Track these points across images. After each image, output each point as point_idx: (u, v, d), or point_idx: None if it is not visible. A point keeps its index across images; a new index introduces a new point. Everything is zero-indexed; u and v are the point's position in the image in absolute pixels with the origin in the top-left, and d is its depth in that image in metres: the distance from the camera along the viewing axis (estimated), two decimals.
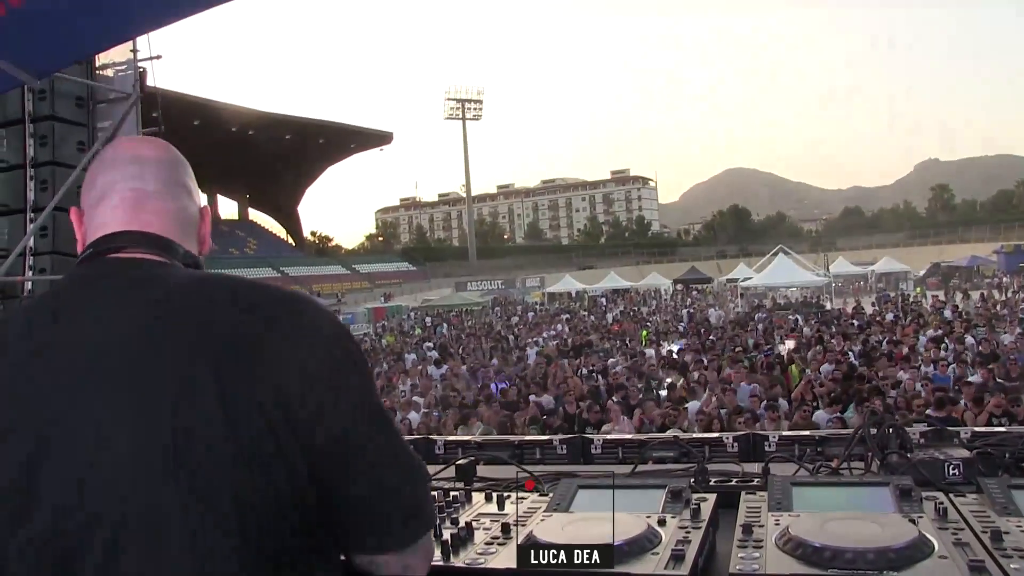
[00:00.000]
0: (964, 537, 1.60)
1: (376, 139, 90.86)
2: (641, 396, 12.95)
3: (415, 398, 15.53)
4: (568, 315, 40.45)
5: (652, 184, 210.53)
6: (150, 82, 9.47)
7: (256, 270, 75.53)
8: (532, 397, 14.22)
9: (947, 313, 26.32)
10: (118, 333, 1.16)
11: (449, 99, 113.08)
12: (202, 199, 1.48)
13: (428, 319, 46.28)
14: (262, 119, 74.27)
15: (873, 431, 2.37)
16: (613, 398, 13.11)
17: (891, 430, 2.35)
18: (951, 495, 1.89)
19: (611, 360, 19.43)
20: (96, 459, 1.09)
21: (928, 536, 1.55)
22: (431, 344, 29.13)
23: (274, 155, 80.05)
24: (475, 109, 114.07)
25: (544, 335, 29.83)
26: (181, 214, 1.39)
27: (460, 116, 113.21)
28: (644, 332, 27.45)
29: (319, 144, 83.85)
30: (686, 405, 12.04)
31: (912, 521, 1.65)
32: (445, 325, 41.62)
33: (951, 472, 2.20)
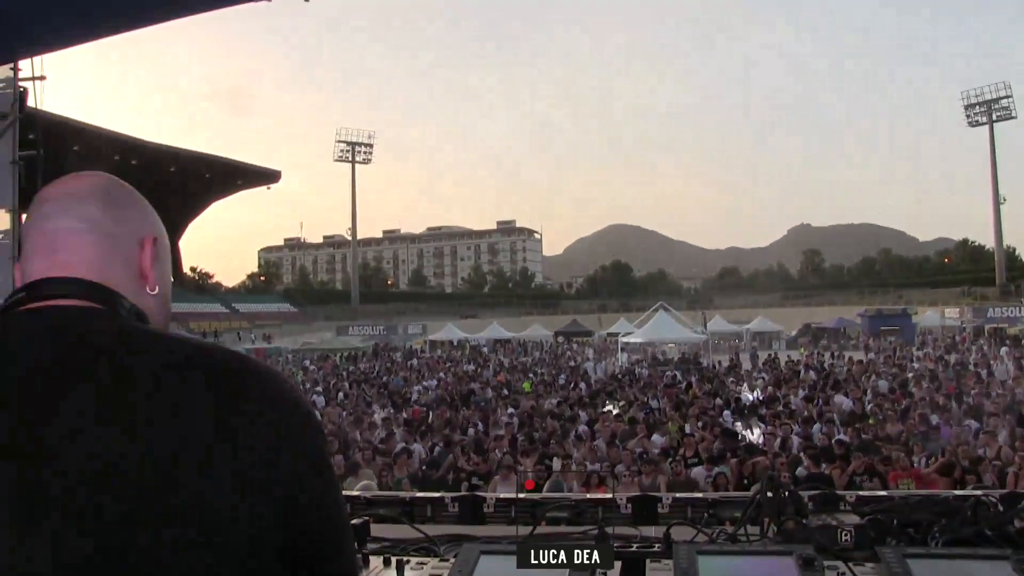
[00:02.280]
0: None
1: (263, 177, 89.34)
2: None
3: None
4: (450, 363, 40.33)
5: (537, 236, 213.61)
6: (32, 104, 9.11)
7: None
8: (416, 446, 14.00)
9: (811, 374, 27.41)
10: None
11: (339, 141, 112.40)
12: (146, 228, 1.32)
13: (307, 362, 45.38)
14: (146, 149, 72.09)
15: (769, 495, 2.39)
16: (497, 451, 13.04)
17: (787, 495, 2.38)
18: (850, 564, 1.91)
19: (510, 410, 19.33)
20: None
21: None
22: (319, 389, 28.46)
23: (158, 187, 77.63)
24: (365, 152, 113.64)
25: (425, 384, 29.58)
26: (110, 249, 1.23)
27: (350, 159, 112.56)
28: (527, 384, 27.55)
29: (205, 178, 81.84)
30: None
31: None
32: (307, 366, 41.13)
33: (844, 538, 2.23)
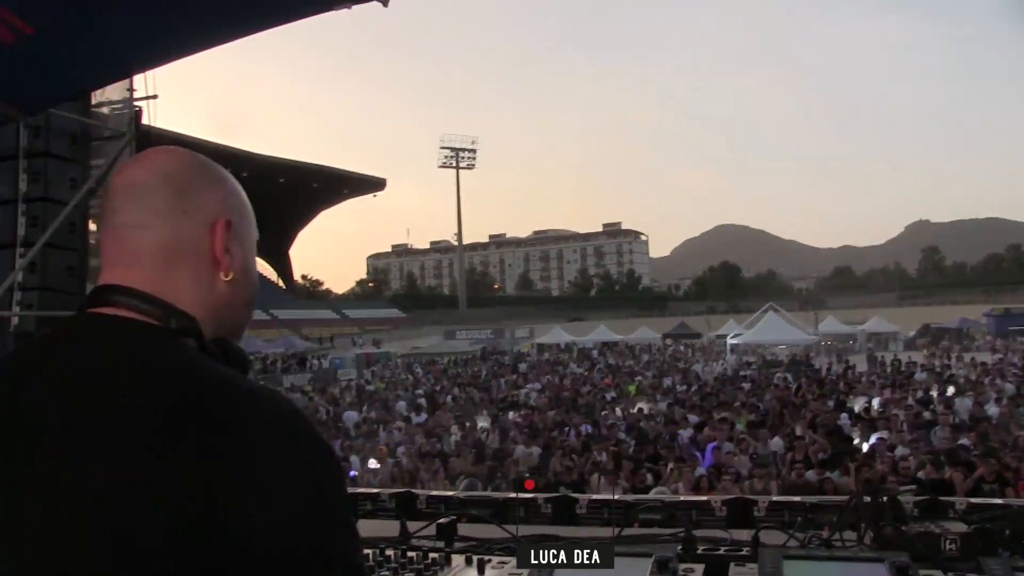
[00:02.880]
0: None
1: (369, 185, 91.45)
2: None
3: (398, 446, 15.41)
4: (558, 366, 40.35)
5: (644, 238, 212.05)
6: (146, 121, 9.49)
7: None
8: (521, 448, 14.06)
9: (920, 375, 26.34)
10: (52, 403, 1.04)
11: (443, 147, 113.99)
12: (217, 210, 1.23)
13: (416, 367, 46.10)
14: (256, 162, 74.65)
15: (867, 500, 2.29)
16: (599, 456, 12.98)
17: (886, 500, 2.28)
18: (950, 574, 1.81)
19: (603, 413, 19.27)
20: None
21: None
22: (420, 392, 28.93)
23: (267, 197, 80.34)
24: (469, 158, 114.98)
25: (530, 386, 29.66)
26: (175, 243, 1.19)
27: (454, 165, 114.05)
28: (633, 387, 27.34)
29: (312, 188, 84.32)
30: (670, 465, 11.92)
31: None
32: (418, 369, 41.91)
33: (948, 547, 2.11)
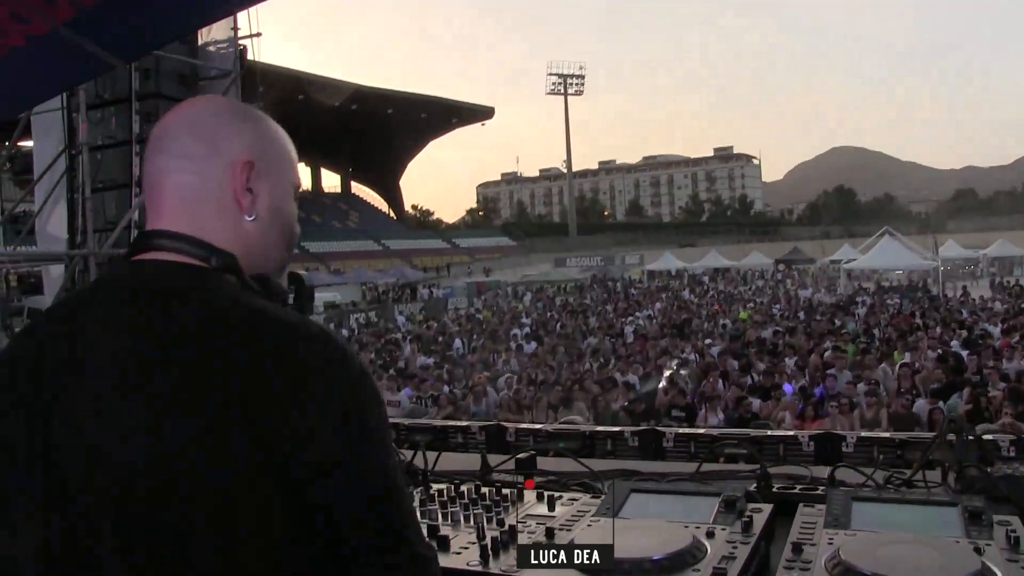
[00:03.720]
0: None
1: (478, 114, 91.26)
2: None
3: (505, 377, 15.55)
4: (667, 293, 39.97)
5: (756, 162, 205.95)
6: (252, 58, 9.72)
7: (357, 242, 77.10)
8: (622, 377, 14.05)
9: None
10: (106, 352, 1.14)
11: (551, 74, 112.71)
12: (238, 151, 1.27)
13: (527, 295, 46.32)
14: (365, 93, 75.13)
15: (951, 439, 2.22)
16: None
17: (971, 439, 2.20)
18: None
19: (707, 342, 19.09)
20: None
21: (993, 568, 1.44)
22: (526, 321, 29.08)
23: (377, 129, 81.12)
24: (577, 84, 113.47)
25: (639, 313, 29.51)
26: (201, 184, 1.25)
27: (562, 91, 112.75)
28: (745, 313, 26.86)
29: (421, 118, 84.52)
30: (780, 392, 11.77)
31: (978, 550, 1.53)
32: (527, 297, 42.02)
33: None
